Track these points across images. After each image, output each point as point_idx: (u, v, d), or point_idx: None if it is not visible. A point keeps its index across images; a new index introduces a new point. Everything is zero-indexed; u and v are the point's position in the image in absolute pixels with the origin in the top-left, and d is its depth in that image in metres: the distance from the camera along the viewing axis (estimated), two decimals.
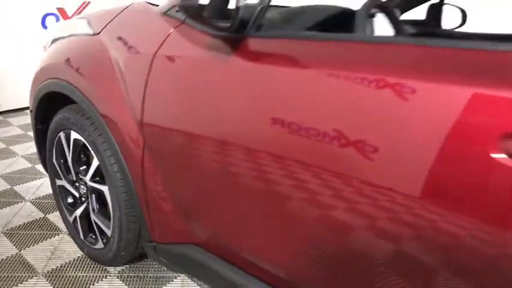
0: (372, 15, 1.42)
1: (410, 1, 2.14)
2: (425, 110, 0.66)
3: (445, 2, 2.19)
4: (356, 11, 1.15)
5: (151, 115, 1.14)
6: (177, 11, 1.11)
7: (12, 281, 1.50)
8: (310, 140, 0.80)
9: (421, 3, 2.17)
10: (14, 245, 1.71)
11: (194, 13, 0.90)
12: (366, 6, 1.10)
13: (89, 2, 3.64)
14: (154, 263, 1.64)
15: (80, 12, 3.62)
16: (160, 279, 1.56)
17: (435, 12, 2.17)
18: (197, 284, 1.56)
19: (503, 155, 0.56)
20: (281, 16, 1.18)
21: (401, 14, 2.20)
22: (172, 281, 1.56)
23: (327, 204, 0.81)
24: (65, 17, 3.55)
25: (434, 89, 0.65)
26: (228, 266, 1.11)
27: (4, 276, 1.51)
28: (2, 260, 1.60)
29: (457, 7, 2.22)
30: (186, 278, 1.58)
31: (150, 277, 1.57)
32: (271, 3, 0.99)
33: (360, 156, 0.73)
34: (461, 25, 2.25)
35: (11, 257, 1.63)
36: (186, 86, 1.06)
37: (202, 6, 0.90)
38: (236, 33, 0.92)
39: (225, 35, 0.96)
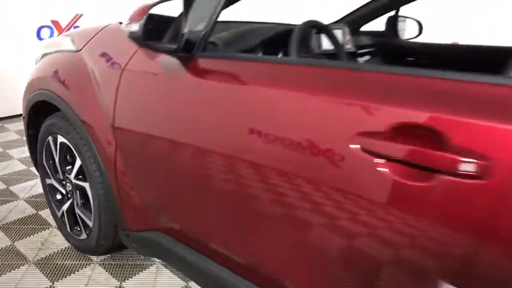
0: (318, 32, 1.63)
1: (373, 13, 2.35)
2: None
3: (400, 14, 2.41)
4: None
5: (121, 120, 1.34)
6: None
7: (6, 268, 1.70)
8: (239, 138, 1.01)
9: (381, 15, 2.38)
10: (8, 237, 1.91)
11: (142, 39, 1.09)
12: (299, 28, 1.30)
13: (81, 15, 3.86)
14: (132, 252, 1.84)
15: (73, 24, 3.84)
16: (138, 267, 1.76)
17: (392, 23, 2.37)
18: (170, 270, 1.75)
19: (357, 146, 0.76)
20: (233, 36, 1.39)
21: (364, 24, 2.42)
22: (148, 268, 1.76)
23: (272, 194, 0.98)
24: (59, 29, 3.77)
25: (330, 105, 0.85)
26: (189, 250, 1.31)
27: None
28: None
29: (413, 19, 2.43)
30: (161, 265, 1.78)
31: (129, 265, 1.77)
32: (229, 20, 1.19)
33: (264, 147, 0.93)
34: (418, 35, 2.46)
35: (5, 247, 1.83)
36: (147, 95, 1.27)
37: (148, 31, 1.09)
38: (185, 53, 1.13)
39: (179, 55, 1.16)
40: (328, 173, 0.82)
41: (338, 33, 1.76)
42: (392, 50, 2.27)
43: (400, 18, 2.42)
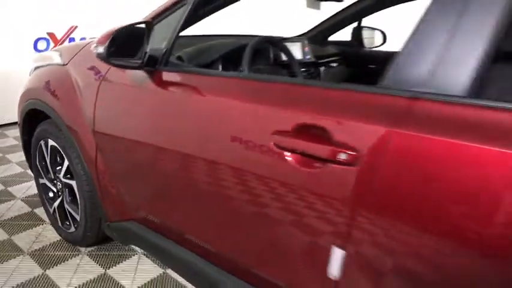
0: (279, 46, 1.84)
1: (338, 24, 2.56)
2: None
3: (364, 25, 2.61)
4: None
5: (100, 126, 1.55)
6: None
7: (3, 258, 1.90)
8: (191, 138, 1.21)
9: (346, 26, 2.59)
10: (6, 232, 2.12)
11: (106, 59, 1.29)
12: (251, 45, 1.51)
13: (76, 27, 4.09)
14: (116, 244, 2.04)
15: (68, 36, 4.07)
16: (121, 256, 1.96)
17: (357, 34, 2.58)
18: (151, 259, 1.95)
19: (272, 142, 0.96)
20: (197, 51, 1.60)
21: (331, 35, 2.62)
22: (131, 257, 1.96)
23: (220, 184, 1.17)
24: (55, 40, 4.00)
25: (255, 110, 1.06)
26: (160, 237, 1.51)
27: None
28: None
29: (377, 29, 2.63)
30: (142, 255, 1.98)
31: (113, 255, 1.97)
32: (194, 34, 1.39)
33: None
34: (382, 44, 2.67)
35: (3, 240, 2.04)
36: (119, 104, 1.48)
37: (113, 52, 1.29)
38: (149, 68, 1.33)
39: (145, 69, 1.37)
40: (256, 164, 1.02)
41: (296, 46, 1.97)
42: (355, 59, 2.48)
43: (365, 29, 2.62)
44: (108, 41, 1.20)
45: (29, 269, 1.85)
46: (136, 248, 2.03)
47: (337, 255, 0.88)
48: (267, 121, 0.99)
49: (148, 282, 1.78)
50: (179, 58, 1.57)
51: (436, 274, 0.77)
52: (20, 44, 3.79)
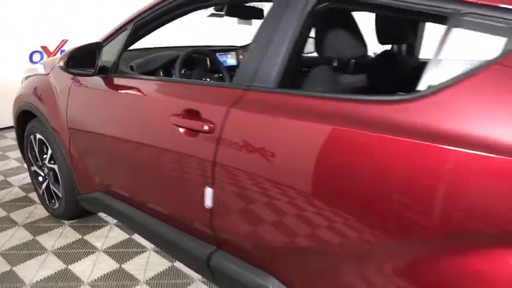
0: (208, 55, 2.33)
1: None
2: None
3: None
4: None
5: (71, 121, 2.05)
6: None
7: (2, 229, 2.40)
8: (131, 126, 1.70)
9: None
10: (5, 211, 2.62)
11: (66, 70, 1.78)
12: (182, 56, 2.00)
13: (66, 40, 4.60)
14: (92, 217, 2.53)
15: (60, 48, 4.58)
16: (96, 226, 2.45)
17: None
18: (120, 228, 2.44)
19: (172, 122, 1.45)
20: (144, 61, 2.10)
21: None
22: (104, 227, 2.45)
23: (153, 156, 1.65)
24: (48, 53, 4.52)
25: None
26: (118, 203, 1.99)
27: None
28: None
29: (311, 37, 3.11)
30: (114, 225, 2.47)
31: (90, 225, 2.46)
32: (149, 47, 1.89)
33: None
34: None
35: (2, 217, 2.55)
36: (82, 103, 1.98)
37: (71, 65, 1.78)
38: (101, 75, 1.83)
39: (100, 76, 1.86)
40: (165, 137, 1.51)
41: (232, 54, 2.46)
42: None
43: None
44: (66, 57, 1.70)
45: (22, 236, 2.34)
46: (108, 219, 2.52)
47: (208, 193, 1.37)
48: (169, 108, 1.48)
49: (116, 244, 2.27)
50: (131, 67, 2.06)
51: (261, 200, 1.25)
52: (17, 56, 4.30)
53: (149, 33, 1.85)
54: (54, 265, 2.09)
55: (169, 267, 2.08)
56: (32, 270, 2.03)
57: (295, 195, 1.14)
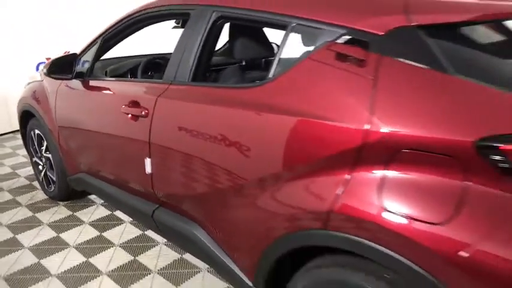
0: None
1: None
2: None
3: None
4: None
5: (59, 118, 2.55)
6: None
7: (8, 208, 2.92)
8: (103, 119, 2.18)
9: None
10: (12, 195, 3.15)
11: (48, 75, 2.28)
12: (143, 62, 2.48)
13: (69, 51, 5.17)
14: (82, 199, 3.02)
15: None
16: (85, 206, 2.95)
17: None
18: (105, 207, 2.93)
19: (123, 110, 1.92)
20: (115, 67, 2.59)
21: None
22: (91, 206, 2.94)
23: (115, 139, 2.12)
24: None
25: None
26: (98, 181, 2.47)
27: (3, 207, 2.94)
28: (4, 202, 3.03)
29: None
30: (100, 205, 2.96)
31: (80, 205, 2.96)
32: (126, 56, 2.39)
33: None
34: None
35: (8, 200, 3.07)
36: (66, 103, 2.47)
37: (52, 71, 2.28)
38: (79, 78, 2.32)
39: (78, 79, 2.35)
40: (120, 123, 1.98)
41: None
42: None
43: None
44: (49, 65, 2.20)
45: (24, 213, 2.86)
46: (96, 201, 3.01)
47: (148, 162, 1.83)
48: (121, 101, 1.96)
49: (99, 218, 2.76)
50: (106, 72, 2.55)
51: (183, 166, 1.70)
52: (24, 67, 4.88)
53: (115, 44, 2.33)
54: (48, 233, 2.59)
55: (140, 234, 2.56)
56: (30, 237, 2.53)
57: (201, 160, 1.60)
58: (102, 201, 3.01)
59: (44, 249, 2.41)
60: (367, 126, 1.11)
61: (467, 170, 0.98)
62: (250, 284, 1.52)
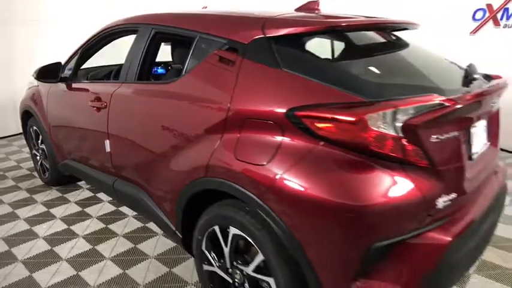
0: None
1: None
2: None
3: None
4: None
5: (49, 115, 3.14)
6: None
7: (9, 192, 3.52)
8: (81, 115, 2.76)
9: None
10: (14, 182, 3.75)
11: (37, 79, 2.87)
12: (115, 69, 3.06)
13: None
14: (73, 184, 3.60)
15: None
16: (73, 189, 3.53)
17: None
18: (91, 191, 3.50)
19: (89, 105, 2.49)
20: (95, 73, 3.18)
21: None
22: (78, 190, 3.52)
23: (90, 131, 2.68)
24: None
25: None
26: (81, 165, 3.04)
27: (6, 191, 3.54)
28: (7, 187, 3.64)
29: None
30: (86, 189, 3.53)
31: (69, 189, 3.54)
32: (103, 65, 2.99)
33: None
34: None
35: (11, 185, 3.67)
36: (54, 102, 3.07)
37: (41, 76, 2.89)
38: (63, 82, 2.90)
39: (64, 82, 2.94)
40: (91, 115, 2.54)
41: (160, 66, 3.50)
42: None
43: None
44: (37, 72, 2.80)
45: (23, 195, 3.46)
46: (83, 186, 3.59)
47: (107, 143, 2.39)
48: (89, 97, 2.52)
49: (84, 198, 3.34)
50: (87, 77, 3.15)
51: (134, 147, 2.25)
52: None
53: (92, 54, 2.92)
54: (40, 209, 3.17)
55: (114, 210, 3.12)
56: (25, 212, 3.12)
57: (140, 137, 2.15)
58: (89, 186, 3.58)
59: (35, 220, 2.98)
60: (229, 105, 1.64)
61: (283, 130, 1.49)
62: (173, 228, 2.05)
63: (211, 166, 1.69)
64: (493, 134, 1.96)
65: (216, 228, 1.76)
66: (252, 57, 1.67)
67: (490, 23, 4.62)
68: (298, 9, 2.18)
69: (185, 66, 1.98)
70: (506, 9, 4.47)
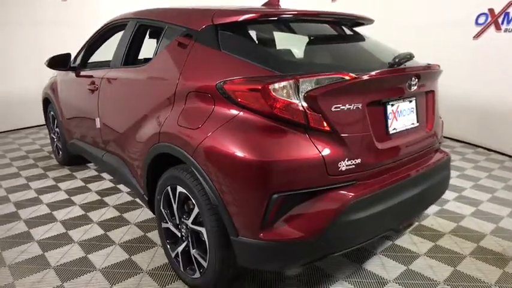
0: None
1: None
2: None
3: None
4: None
5: (61, 100, 3.60)
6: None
7: (27, 168, 4.00)
8: (88, 101, 3.17)
9: None
10: (34, 161, 4.25)
11: (49, 67, 3.32)
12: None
13: None
14: (82, 165, 4.03)
15: None
16: (81, 169, 3.95)
17: None
18: (97, 171, 3.91)
19: (86, 88, 2.87)
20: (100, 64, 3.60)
21: None
22: (85, 170, 3.94)
23: (89, 112, 3.10)
24: None
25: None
26: (83, 143, 3.44)
27: (25, 167, 4.02)
28: (27, 165, 4.13)
29: None
30: (93, 169, 3.95)
31: (77, 168, 3.97)
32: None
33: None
34: None
35: (31, 164, 4.16)
36: (65, 88, 3.51)
37: (53, 64, 3.33)
38: (73, 70, 3.33)
39: (73, 70, 3.37)
40: (86, 98, 2.94)
41: None
42: None
43: None
44: (48, 61, 3.25)
45: (39, 172, 3.93)
46: (90, 166, 4.01)
47: (97, 121, 2.76)
48: (88, 81, 2.91)
49: (89, 176, 3.75)
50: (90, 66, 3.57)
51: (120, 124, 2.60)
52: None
53: (97, 47, 3.33)
54: (50, 183, 3.61)
55: (112, 186, 3.50)
56: (37, 184, 3.57)
57: (121, 113, 2.51)
58: (96, 167, 4.00)
59: (43, 191, 3.41)
60: (177, 81, 1.94)
61: (214, 100, 1.76)
62: (142, 192, 2.36)
63: (162, 133, 1.99)
64: (426, 117, 2.12)
65: (169, 188, 2.05)
66: (201, 42, 1.96)
67: (492, 27, 4.64)
68: (263, 5, 2.46)
69: (155, 52, 2.30)
70: (507, 14, 4.48)
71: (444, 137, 5.33)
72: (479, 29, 4.78)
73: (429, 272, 2.20)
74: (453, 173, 3.89)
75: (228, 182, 1.66)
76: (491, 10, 4.63)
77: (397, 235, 2.60)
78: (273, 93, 1.57)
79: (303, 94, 1.58)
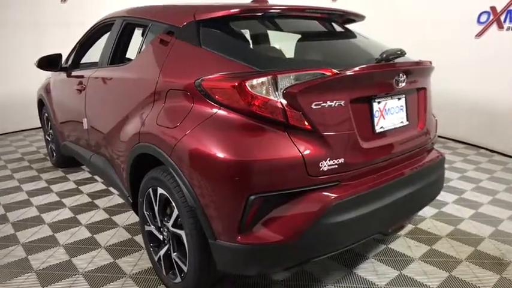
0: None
1: None
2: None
3: None
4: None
5: (54, 101, 3.56)
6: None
7: (21, 170, 3.98)
8: (77, 100, 3.14)
9: None
10: (29, 163, 4.22)
11: (39, 67, 3.30)
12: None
13: None
14: (75, 168, 4.00)
15: None
16: (74, 171, 3.92)
17: None
18: (90, 174, 3.87)
19: (75, 89, 2.84)
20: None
21: None
22: (79, 172, 3.90)
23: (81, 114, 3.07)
24: None
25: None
26: (74, 145, 3.41)
27: (18, 169, 4.00)
28: (21, 167, 4.11)
29: None
30: (86, 171, 3.91)
31: (70, 170, 3.93)
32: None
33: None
34: None
35: (26, 165, 4.14)
36: (57, 89, 3.48)
37: (43, 65, 3.29)
38: (64, 70, 3.30)
39: (64, 71, 3.34)
40: (77, 96, 2.90)
41: None
42: None
43: None
44: (38, 61, 3.22)
45: (33, 174, 3.90)
46: (84, 168, 3.98)
47: (85, 121, 2.71)
48: (76, 82, 2.87)
49: (82, 178, 3.71)
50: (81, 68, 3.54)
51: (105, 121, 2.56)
52: None
53: (89, 47, 3.29)
54: (42, 185, 3.57)
55: (104, 189, 3.45)
56: (29, 186, 3.54)
57: (106, 113, 2.45)
58: (89, 169, 3.96)
59: (34, 193, 3.38)
60: (157, 79, 1.89)
61: (193, 98, 1.70)
62: (127, 194, 2.30)
63: (142, 133, 1.93)
64: (418, 115, 2.04)
65: (150, 190, 1.99)
66: (182, 38, 1.90)
67: (494, 25, 4.53)
68: (252, 2, 2.40)
69: (138, 50, 2.25)
70: (509, 12, 4.37)
71: (446, 138, 5.23)
72: (481, 27, 4.67)
73: (423, 278, 2.11)
74: (454, 175, 3.79)
75: (205, 182, 1.59)
76: (493, 8, 4.52)
77: (391, 238, 2.51)
78: (250, 90, 1.50)
79: (281, 91, 1.51)
